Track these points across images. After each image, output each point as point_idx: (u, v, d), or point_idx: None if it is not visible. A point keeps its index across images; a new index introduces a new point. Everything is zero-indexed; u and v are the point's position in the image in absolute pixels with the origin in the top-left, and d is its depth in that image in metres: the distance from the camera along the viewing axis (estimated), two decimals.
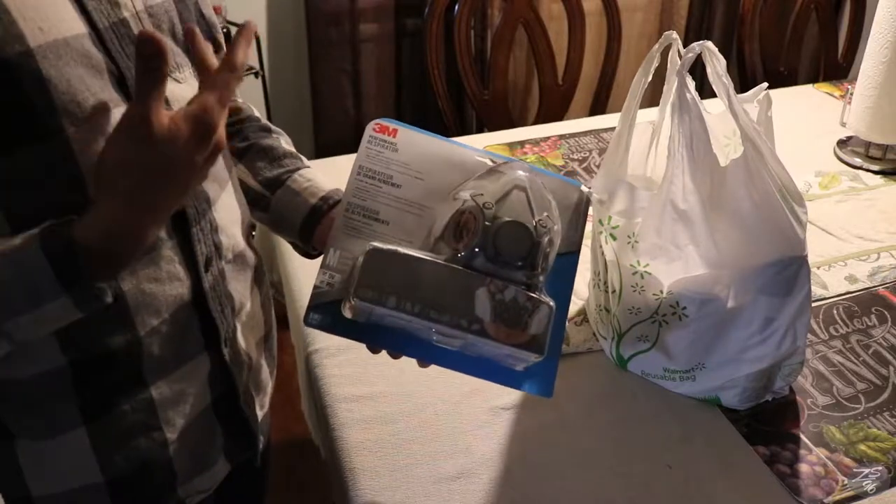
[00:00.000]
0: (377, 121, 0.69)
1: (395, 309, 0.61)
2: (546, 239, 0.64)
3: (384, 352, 0.69)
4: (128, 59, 0.61)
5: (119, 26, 0.61)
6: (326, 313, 0.64)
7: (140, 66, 0.51)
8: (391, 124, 0.69)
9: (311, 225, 0.80)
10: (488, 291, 0.62)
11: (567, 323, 0.99)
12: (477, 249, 0.63)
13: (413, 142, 0.69)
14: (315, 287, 0.65)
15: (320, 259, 0.67)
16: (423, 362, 0.68)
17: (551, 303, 0.63)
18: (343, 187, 0.70)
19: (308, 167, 0.85)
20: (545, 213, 0.64)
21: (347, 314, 0.64)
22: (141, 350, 0.66)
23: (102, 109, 0.58)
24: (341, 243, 0.66)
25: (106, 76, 0.59)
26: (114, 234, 0.55)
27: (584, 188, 0.71)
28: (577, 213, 0.70)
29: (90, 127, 0.57)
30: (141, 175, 0.54)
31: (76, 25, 0.57)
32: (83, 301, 0.56)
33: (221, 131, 0.56)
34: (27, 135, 0.55)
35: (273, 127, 0.88)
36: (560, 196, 0.68)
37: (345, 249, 0.65)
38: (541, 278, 0.64)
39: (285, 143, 0.87)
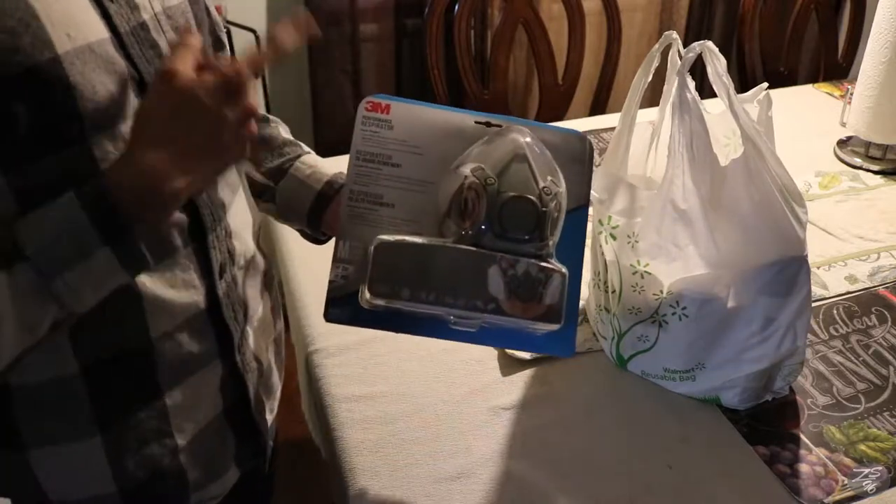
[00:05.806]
0: (368, 98, 0.68)
1: (410, 300, 0.61)
2: (553, 205, 0.63)
3: (384, 351, 0.69)
4: (147, 64, 0.60)
5: (139, 30, 0.60)
6: (346, 306, 0.64)
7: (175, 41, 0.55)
8: (383, 100, 0.68)
9: (319, 211, 0.80)
10: (500, 269, 0.62)
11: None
12: (483, 227, 0.62)
13: (407, 115, 0.68)
14: (330, 282, 0.64)
15: (320, 267, 0.67)
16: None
17: (563, 269, 0.63)
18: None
19: (309, 153, 0.85)
20: (549, 178, 0.64)
21: (365, 305, 0.64)
22: (155, 356, 0.65)
23: (123, 116, 0.58)
24: (349, 233, 0.65)
25: (128, 82, 0.58)
26: (143, 177, 0.54)
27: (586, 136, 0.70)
28: (582, 164, 0.68)
29: (111, 134, 0.57)
30: (166, 122, 0.54)
31: (99, 30, 0.57)
32: (125, 254, 0.55)
33: (251, 99, 0.56)
34: (52, 141, 0.55)
35: (270, 116, 0.88)
36: (563, 149, 0.67)
37: (354, 239, 0.65)
38: (550, 245, 0.64)
39: (283, 131, 0.87)
